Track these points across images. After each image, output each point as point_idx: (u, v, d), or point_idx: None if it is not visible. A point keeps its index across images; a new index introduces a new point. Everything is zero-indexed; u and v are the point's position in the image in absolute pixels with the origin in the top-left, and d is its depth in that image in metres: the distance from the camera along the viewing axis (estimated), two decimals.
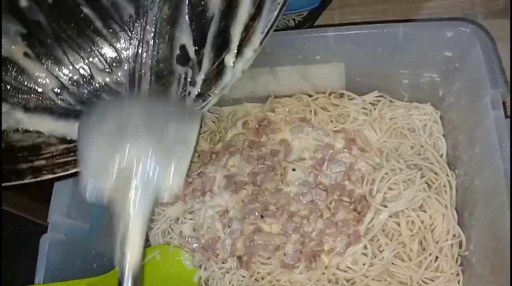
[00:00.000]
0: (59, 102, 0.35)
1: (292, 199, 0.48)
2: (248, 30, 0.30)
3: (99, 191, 0.36)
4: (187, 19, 0.32)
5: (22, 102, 0.34)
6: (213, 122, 0.55)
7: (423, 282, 0.44)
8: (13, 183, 0.33)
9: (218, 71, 0.31)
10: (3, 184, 0.32)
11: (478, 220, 0.42)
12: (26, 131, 0.35)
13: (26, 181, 0.33)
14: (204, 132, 0.55)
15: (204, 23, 0.31)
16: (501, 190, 0.36)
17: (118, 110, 0.34)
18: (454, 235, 0.44)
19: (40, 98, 0.35)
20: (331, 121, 0.52)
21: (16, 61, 0.32)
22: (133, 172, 0.35)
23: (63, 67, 0.33)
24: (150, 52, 0.33)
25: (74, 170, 0.36)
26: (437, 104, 0.51)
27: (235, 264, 0.46)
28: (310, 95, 0.53)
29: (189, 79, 0.33)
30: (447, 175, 0.47)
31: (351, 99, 0.51)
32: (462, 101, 0.45)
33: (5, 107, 0.33)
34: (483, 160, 0.40)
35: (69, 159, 0.35)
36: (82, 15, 0.31)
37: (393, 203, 0.45)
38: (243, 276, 0.46)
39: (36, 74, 0.33)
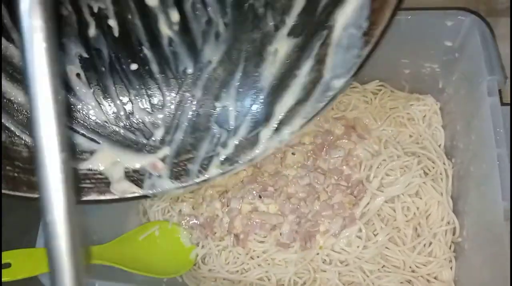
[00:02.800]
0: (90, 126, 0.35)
1: (290, 181, 0.49)
2: (291, 111, 0.30)
3: None
4: (237, 84, 0.32)
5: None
6: None
7: (416, 266, 0.44)
8: (22, 194, 0.33)
9: (251, 141, 0.31)
10: (11, 192, 0.32)
11: (471, 207, 0.43)
12: None
13: (36, 195, 0.32)
14: None
15: (251, 93, 0.31)
16: (494, 175, 0.37)
17: None
18: (448, 222, 0.45)
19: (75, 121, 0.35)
20: (332, 108, 0.53)
21: (67, 81, 0.33)
22: None
23: (107, 96, 0.34)
24: (193, 105, 0.34)
25: (83, 198, 0.35)
26: (437, 96, 0.52)
27: (232, 242, 0.47)
28: None
29: (222, 141, 0.32)
30: (444, 164, 0.47)
31: (353, 87, 0.52)
32: (461, 91, 0.46)
33: None
34: (478, 147, 0.41)
35: (84, 185, 0.35)
36: (141, 55, 0.32)
37: (389, 188, 0.46)
38: (239, 254, 0.47)
39: (80, 97, 0.34)
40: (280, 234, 0.47)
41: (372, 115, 0.51)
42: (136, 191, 0.33)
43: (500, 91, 0.39)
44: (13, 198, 0.32)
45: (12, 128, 0.32)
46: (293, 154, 0.51)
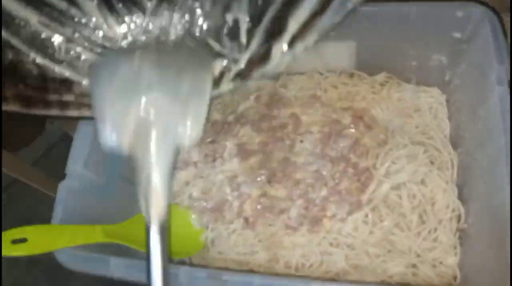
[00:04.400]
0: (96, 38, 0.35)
1: (299, 167, 0.50)
2: (306, 25, 0.28)
3: (118, 143, 0.38)
4: None
5: (64, 32, 0.34)
6: (227, 95, 0.58)
7: (421, 252, 0.46)
8: (40, 111, 0.34)
9: (263, 56, 0.30)
10: (28, 110, 0.33)
11: (477, 194, 0.44)
12: (63, 61, 0.36)
13: (53, 112, 0.34)
14: (218, 103, 0.57)
15: (264, 4, 0.30)
16: (501, 162, 0.38)
17: (130, 61, 0.34)
18: (453, 209, 0.46)
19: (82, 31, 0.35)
20: (340, 99, 0.54)
21: None
22: (151, 122, 0.36)
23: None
24: (202, 15, 0.34)
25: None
26: (443, 88, 0.53)
27: (242, 225, 0.48)
28: (321, 74, 0.55)
29: (233, 56, 0.31)
30: (449, 153, 0.48)
31: (360, 76, 0.53)
32: (468, 82, 0.47)
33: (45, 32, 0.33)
34: (485, 135, 0.42)
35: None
36: None
37: (395, 175, 0.47)
38: (248, 237, 0.48)
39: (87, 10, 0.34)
40: (288, 217, 0.48)
41: (380, 106, 0.52)
42: None
43: (509, 80, 0.40)
44: (30, 116, 0.32)
45: (19, 46, 0.32)
46: (301, 141, 0.52)
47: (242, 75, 0.32)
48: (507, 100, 0.39)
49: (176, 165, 0.47)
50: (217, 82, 0.32)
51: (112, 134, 0.38)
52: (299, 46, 0.30)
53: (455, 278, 0.45)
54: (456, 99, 0.51)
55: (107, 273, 0.39)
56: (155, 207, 0.36)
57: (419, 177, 0.47)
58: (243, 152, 0.52)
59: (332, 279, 0.46)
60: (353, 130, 0.51)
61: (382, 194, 0.47)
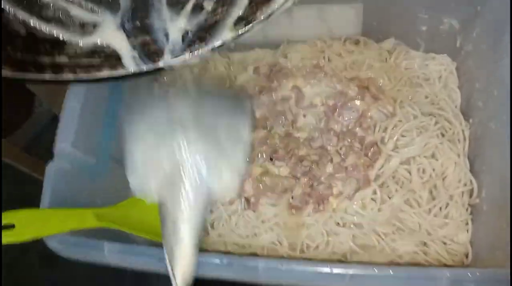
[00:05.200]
0: None
1: (302, 143, 0.47)
2: None
3: (147, 188, 0.35)
4: None
5: None
6: (224, 67, 0.54)
7: (432, 229, 0.43)
8: (33, 76, 0.30)
9: None
10: (21, 75, 0.30)
11: (491, 166, 0.41)
12: (51, 19, 0.33)
13: (46, 76, 0.31)
14: (215, 76, 0.54)
15: None
16: None
17: (164, 105, 0.31)
18: (465, 184, 0.44)
19: None
20: (345, 68, 0.51)
21: None
22: (183, 170, 0.33)
23: None
24: None
25: (96, 75, 0.34)
26: (453, 55, 0.50)
27: (243, 205, 0.46)
28: (324, 42, 0.51)
29: None
30: (461, 124, 0.46)
31: (367, 43, 0.50)
32: (482, 47, 0.44)
33: None
34: (500, 102, 0.39)
35: (94, 61, 0.33)
36: None
37: (405, 149, 0.45)
38: (249, 218, 0.46)
39: None
40: (292, 197, 0.45)
41: (387, 75, 0.49)
42: (151, 65, 0.30)
43: None
44: (24, 81, 0.30)
45: (2, 3, 0.29)
46: (304, 115, 0.49)
47: (245, 19, 0.29)
48: None
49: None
50: (217, 30, 0.29)
51: (141, 179, 0.35)
52: None
53: (466, 255, 0.43)
54: (467, 66, 0.47)
55: (101, 259, 0.37)
56: (181, 267, 0.33)
57: (429, 150, 0.44)
58: None
59: (339, 261, 0.44)
60: (359, 102, 0.48)
61: (390, 169, 0.45)
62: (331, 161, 0.46)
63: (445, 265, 0.42)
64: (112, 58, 0.30)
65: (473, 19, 0.44)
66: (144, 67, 0.30)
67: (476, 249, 0.42)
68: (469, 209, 0.44)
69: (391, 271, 0.32)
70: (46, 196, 0.40)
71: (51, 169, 0.41)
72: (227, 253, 0.46)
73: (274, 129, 0.48)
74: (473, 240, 0.43)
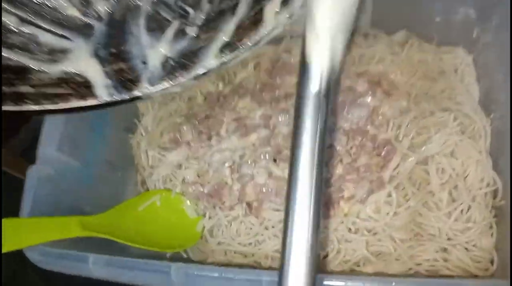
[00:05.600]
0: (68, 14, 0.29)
1: None
2: None
3: None
4: None
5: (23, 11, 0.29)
6: None
7: (453, 234, 0.39)
8: None
9: (255, 20, 0.26)
10: None
11: None
12: (15, 46, 0.30)
13: (6, 107, 0.28)
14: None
15: None
16: None
17: None
18: (488, 184, 0.40)
19: (37, 14, 0.30)
20: (354, 63, 0.47)
21: None
22: None
23: None
24: None
25: (63, 105, 0.31)
26: (469, 47, 0.46)
27: (244, 211, 0.42)
28: None
29: (218, 23, 0.27)
30: (482, 120, 0.42)
31: (376, 36, 0.47)
32: (501, 36, 0.40)
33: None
34: None
35: (61, 91, 0.30)
36: None
37: (422, 148, 0.41)
38: (252, 224, 0.42)
39: None
40: None
41: (399, 69, 0.45)
42: (126, 94, 0.27)
43: None
44: None
45: None
46: None
47: (231, 46, 0.27)
48: None
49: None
50: (202, 56, 0.27)
51: None
52: (297, 3, 0.25)
53: (492, 262, 0.39)
54: (486, 58, 0.44)
55: (86, 272, 0.33)
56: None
57: (448, 148, 0.41)
58: (242, 128, 0.45)
59: (351, 270, 0.40)
60: (370, 98, 0.44)
61: (406, 169, 0.41)
62: (341, 161, 0.42)
63: (469, 273, 0.38)
64: (82, 87, 0.28)
65: (492, 7, 0.41)
66: (118, 97, 0.28)
67: (503, 254, 0.38)
68: (493, 211, 0.40)
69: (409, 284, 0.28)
70: (26, 204, 0.36)
71: (33, 175, 0.37)
72: (226, 264, 0.42)
73: (278, 129, 0.45)
74: (498, 245, 0.39)
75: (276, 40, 0.50)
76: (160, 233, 0.43)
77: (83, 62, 0.28)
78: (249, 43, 0.27)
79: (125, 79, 0.28)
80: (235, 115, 0.46)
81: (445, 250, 0.39)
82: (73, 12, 0.29)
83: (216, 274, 0.30)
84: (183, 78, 0.27)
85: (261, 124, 0.45)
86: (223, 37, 0.27)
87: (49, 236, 0.34)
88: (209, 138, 0.46)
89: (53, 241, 0.35)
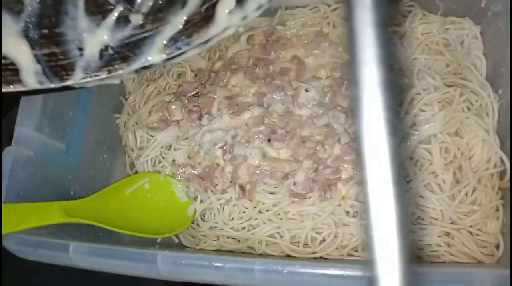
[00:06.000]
0: None
1: (305, 122, 0.41)
2: None
3: None
4: None
5: None
6: None
7: (457, 217, 0.37)
8: None
9: (206, 17, 0.24)
10: None
11: None
12: None
13: None
14: None
15: None
16: None
17: None
18: (495, 164, 0.38)
19: None
20: None
21: None
22: None
23: None
24: None
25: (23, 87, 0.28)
26: (477, 18, 0.43)
27: (237, 194, 0.40)
28: (328, 5, 0.45)
29: (164, 16, 0.25)
30: (489, 96, 0.39)
31: None
32: None
33: None
34: None
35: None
36: None
37: (425, 126, 0.38)
38: (245, 208, 0.40)
39: None
40: (294, 183, 0.39)
41: (401, 41, 0.42)
42: (57, 82, 0.25)
43: None
44: None
45: None
46: (306, 90, 0.42)
47: (177, 41, 0.25)
48: None
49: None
50: (144, 49, 0.25)
51: None
52: (252, 5, 0.24)
53: (497, 246, 0.37)
54: (495, 30, 0.41)
55: (66, 261, 0.31)
56: None
57: (453, 127, 0.38)
58: (235, 106, 0.42)
59: (350, 255, 0.38)
60: None
61: (408, 149, 0.38)
62: (339, 141, 0.39)
63: (473, 259, 0.37)
64: (7, 71, 0.25)
65: None
66: (48, 85, 0.25)
67: (509, 239, 0.36)
68: (500, 193, 0.38)
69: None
70: (2, 188, 0.33)
71: (8, 157, 0.35)
72: (219, 249, 0.40)
73: (272, 107, 0.42)
74: (504, 229, 0.37)
75: (270, 12, 0.46)
76: (149, 217, 0.41)
77: (9, 43, 0.25)
78: (197, 41, 0.25)
79: (57, 65, 0.25)
80: (227, 92, 0.44)
81: (448, 234, 0.38)
82: None
83: (205, 263, 0.28)
84: (122, 71, 0.25)
85: (255, 102, 0.43)
86: (171, 31, 0.25)
87: (27, 222, 0.32)
88: (200, 117, 0.43)
89: (33, 228, 0.33)
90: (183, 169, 0.43)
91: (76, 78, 0.25)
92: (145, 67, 0.25)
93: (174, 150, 0.43)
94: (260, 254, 0.39)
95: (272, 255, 0.39)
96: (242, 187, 0.40)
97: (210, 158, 0.42)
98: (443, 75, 0.41)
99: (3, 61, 0.25)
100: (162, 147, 0.44)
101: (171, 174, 0.43)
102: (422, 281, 0.26)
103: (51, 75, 0.25)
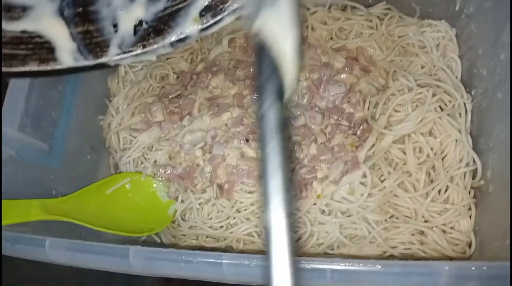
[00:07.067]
0: None
1: None
2: None
3: None
4: None
5: None
6: (196, 41, 0.48)
7: (430, 215, 0.38)
8: None
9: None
10: None
11: (497, 143, 0.36)
12: None
13: None
14: (185, 50, 0.48)
15: None
16: None
17: None
18: (467, 164, 0.39)
19: None
20: (331, 38, 0.45)
21: None
22: None
23: None
24: None
25: (20, 69, 0.29)
26: (453, 21, 0.44)
27: (215, 193, 0.41)
28: (307, 8, 0.46)
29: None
30: (462, 97, 0.40)
31: (355, 9, 0.44)
32: (486, 4, 0.38)
33: None
34: (510, 66, 0.34)
35: (19, 52, 0.28)
36: None
37: (398, 126, 0.39)
38: (223, 207, 0.41)
39: None
40: None
41: (378, 44, 0.43)
42: (92, 60, 0.25)
43: None
44: None
45: None
46: None
47: (213, 9, 0.24)
48: None
49: None
50: (179, 21, 0.25)
51: None
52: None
53: (469, 245, 0.38)
54: (469, 32, 0.42)
55: (43, 257, 0.31)
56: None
57: (426, 127, 0.39)
58: (215, 107, 0.43)
59: (325, 253, 0.38)
60: (347, 74, 0.42)
61: (382, 149, 0.39)
62: (315, 141, 0.40)
63: (446, 257, 0.37)
64: (43, 49, 0.25)
65: None
66: (83, 63, 0.25)
67: (481, 237, 0.37)
68: (472, 192, 0.39)
69: (379, 266, 0.26)
70: None
71: None
72: (198, 248, 0.41)
73: (252, 108, 0.43)
74: (477, 228, 0.38)
75: None
76: (130, 217, 0.42)
77: (45, 21, 0.26)
78: (232, 8, 0.24)
79: (92, 43, 0.25)
80: (208, 94, 0.45)
81: (421, 232, 0.38)
82: None
83: (174, 257, 0.29)
84: (157, 46, 0.25)
85: (235, 103, 0.43)
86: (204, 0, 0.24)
87: (6, 219, 0.33)
88: (181, 118, 0.44)
89: (15, 225, 0.34)
90: (164, 169, 0.43)
91: (111, 55, 0.25)
92: (181, 40, 0.25)
93: (156, 150, 0.44)
94: (239, 252, 0.40)
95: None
96: (220, 187, 0.41)
97: (190, 158, 0.43)
98: (418, 76, 0.41)
99: (38, 39, 0.25)
100: (144, 148, 0.45)
101: (152, 174, 0.44)
102: (384, 274, 0.27)
103: (86, 52, 0.25)
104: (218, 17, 0.24)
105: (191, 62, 0.48)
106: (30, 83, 0.39)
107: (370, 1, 0.44)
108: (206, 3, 0.24)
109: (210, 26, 0.25)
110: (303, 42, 0.45)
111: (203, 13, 0.24)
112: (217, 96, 0.44)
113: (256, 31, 0.22)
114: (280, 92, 0.22)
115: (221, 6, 0.24)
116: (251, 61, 0.46)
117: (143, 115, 0.45)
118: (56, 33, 0.26)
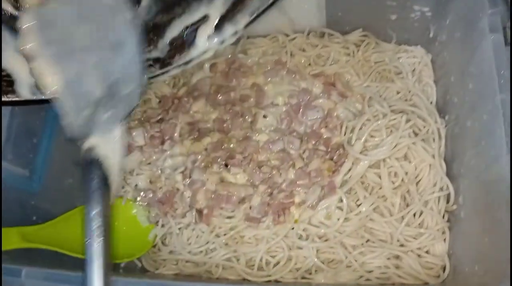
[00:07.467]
0: None
1: (262, 148, 0.42)
2: (236, 5, 0.27)
3: None
4: None
5: None
6: None
7: (405, 240, 0.39)
8: None
9: (186, 40, 0.27)
10: None
11: (469, 168, 0.37)
12: None
13: None
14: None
15: None
16: (497, 126, 0.31)
17: None
18: (441, 188, 0.39)
19: None
20: (309, 64, 0.46)
21: None
22: None
23: None
24: None
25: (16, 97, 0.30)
26: (428, 47, 0.45)
27: (194, 218, 0.41)
28: (286, 35, 0.47)
29: (151, 38, 0.28)
30: (436, 122, 0.41)
31: (332, 36, 0.45)
32: (456, 35, 0.39)
33: None
34: (477, 96, 0.35)
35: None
36: None
37: (374, 151, 0.40)
38: (202, 232, 0.41)
39: None
40: (250, 207, 0.40)
41: (355, 70, 0.44)
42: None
43: (504, 28, 0.32)
44: None
45: None
46: (264, 116, 0.44)
47: (161, 62, 0.28)
48: (502, 50, 0.31)
49: None
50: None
51: None
52: (229, 29, 0.27)
53: (443, 268, 0.38)
54: (443, 59, 0.43)
55: None
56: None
57: (401, 152, 0.40)
58: (196, 132, 0.44)
59: (303, 278, 0.39)
60: (325, 100, 0.43)
61: (358, 173, 0.40)
62: (293, 166, 0.41)
63: (420, 281, 0.38)
64: (3, 82, 0.27)
65: (445, 4, 0.40)
66: (40, 97, 0.28)
67: (455, 261, 0.38)
68: (447, 216, 0.40)
69: None
70: None
71: None
72: (178, 273, 0.41)
73: (231, 133, 0.44)
74: (451, 251, 0.38)
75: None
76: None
77: (8, 56, 0.27)
78: (178, 62, 0.28)
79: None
80: (189, 118, 0.45)
81: (396, 257, 0.39)
82: (5, 5, 0.29)
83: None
84: None
85: (215, 128, 0.44)
86: (155, 54, 0.28)
87: None
88: (162, 142, 0.45)
89: None
90: (145, 194, 0.44)
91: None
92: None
93: (137, 174, 0.45)
94: (217, 278, 0.40)
95: (228, 279, 0.39)
96: (199, 211, 0.41)
97: (171, 183, 0.43)
98: (393, 102, 0.42)
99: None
100: (125, 172, 0.45)
101: (133, 198, 0.44)
102: None
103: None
104: (166, 69, 0.28)
105: (173, 87, 0.48)
106: (11, 111, 0.39)
107: (347, 28, 0.46)
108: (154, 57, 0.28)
109: (157, 75, 0.28)
110: (282, 67, 0.46)
111: (153, 64, 0.28)
112: (197, 121, 0.45)
113: (90, 148, 0.27)
114: (107, 199, 0.28)
115: (168, 61, 0.28)
116: (231, 86, 0.46)
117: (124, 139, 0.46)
118: (17, 68, 0.27)
